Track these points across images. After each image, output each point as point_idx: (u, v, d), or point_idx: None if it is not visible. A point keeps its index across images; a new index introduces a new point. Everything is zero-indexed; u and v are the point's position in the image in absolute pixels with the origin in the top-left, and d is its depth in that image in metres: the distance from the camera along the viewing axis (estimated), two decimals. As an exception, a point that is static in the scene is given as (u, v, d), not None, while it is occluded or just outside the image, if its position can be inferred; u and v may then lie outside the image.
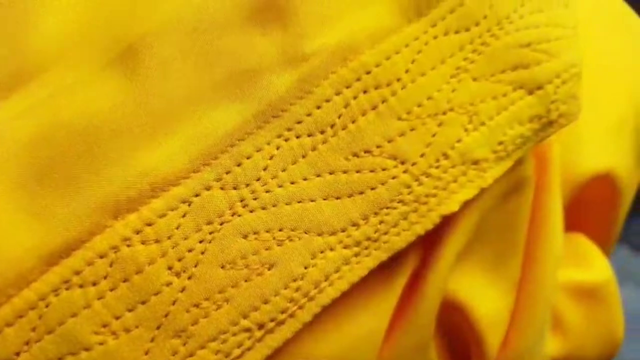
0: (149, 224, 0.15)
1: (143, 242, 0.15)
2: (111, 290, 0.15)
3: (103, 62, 0.15)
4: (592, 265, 0.23)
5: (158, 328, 0.15)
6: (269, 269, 0.16)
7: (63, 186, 0.15)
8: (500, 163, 0.17)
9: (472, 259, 0.19)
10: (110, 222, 0.15)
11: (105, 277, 0.15)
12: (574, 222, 0.24)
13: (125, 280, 0.15)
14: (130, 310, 0.15)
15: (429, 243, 0.18)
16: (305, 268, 0.16)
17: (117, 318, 0.15)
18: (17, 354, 0.14)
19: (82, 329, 0.15)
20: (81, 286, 0.15)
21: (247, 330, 0.15)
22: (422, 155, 0.17)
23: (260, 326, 0.15)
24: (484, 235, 0.19)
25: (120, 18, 0.15)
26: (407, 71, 0.17)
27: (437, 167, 0.17)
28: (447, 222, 0.17)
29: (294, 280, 0.16)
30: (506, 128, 0.17)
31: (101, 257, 0.15)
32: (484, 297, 0.19)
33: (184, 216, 0.15)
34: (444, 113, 0.17)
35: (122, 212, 0.15)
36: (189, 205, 0.15)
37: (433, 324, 0.18)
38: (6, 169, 0.15)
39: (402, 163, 0.17)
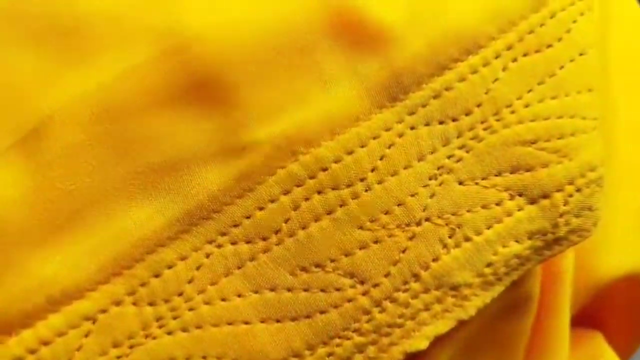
0: (45, 343, 0.13)
1: (34, 366, 0.13)
2: None
3: (7, 144, 0.13)
4: None
5: None
6: (184, 405, 0.13)
7: None
8: (488, 289, 0.14)
9: None
10: (2, 337, 0.13)
11: None
12: (593, 320, 0.20)
13: None
14: None
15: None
16: None
17: None
18: None
19: None
20: None
21: None
22: (386, 275, 0.14)
23: None
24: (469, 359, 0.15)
25: (29, 95, 0.13)
26: (373, 169, 0.14)
27: (404, 291, 0.14)
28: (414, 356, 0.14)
29: None
30: (498, 246, 0.14)
31: None
32: None
33: (86, 336, 0.13)
34: (418, 224, 0.14)
35: (16, 326, 0.13)
36: (94, 322, 0.13)
37: None
38: None
39: (362, 283, 0.13)
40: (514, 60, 0.14)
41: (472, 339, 0.15)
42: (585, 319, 0.20)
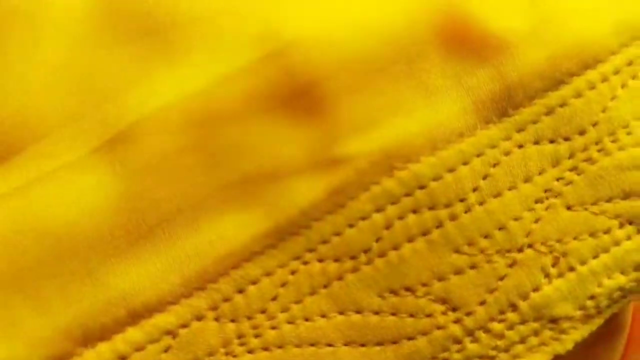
0: (123, 358, 0.12)
1: (113, 380, 0.12)
2: None
3: (91, 146, 0.12)
4: None
5: None
6: None
7: (31, 299, 0.12)
8: (587, 323, 0.13)
9: None
10: (78, 349, 0.12)
11: None
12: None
13: None
14: None
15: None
16: None
17: None
18: None
19: None
20: None
21: None
22: (482, 304, 0.13)
23: None
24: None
25: (111, 98, 0.12)
26: (475, 189, 0.13)
27: (500, 322, 0.13)
28: None
29: None
30: (603, 277, 0.13)
31: None
32: None
33: (166, 351, 0.12)
34: (520, 250, 0.13)
35: (94, 339, 0.12)
36: (174, 337, 0.12)
37: None
38: None
39: (454, 310, 0.13)
40: (634, 77, 0.13)
41: None
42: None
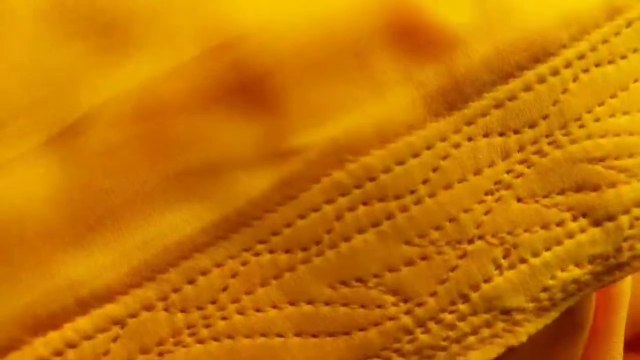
0: (72, 346, 0.12)
1: (60, 368, 0.12)
2: None
3: (41, 140, 0.13)
4: None
5: None
6: (212, 418, 0.12)
7: None
8: (542, 316, 0.13)
9: None
10: (27, 337, 0.12)
11: None
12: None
13: None
14: None
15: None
16: None
17: None
18: None
19: None
20: None
21: None
22: (432, 295, 0.13)
23: None
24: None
25: (64, 93, 0.13)
26: (425, 181, 0.13)
27: (451, 313, 0.13)
28: None
29: None
30: (556, 270, 0.13)
31: None
32: None
33: (114, 340, 0.12)
34: (471, 241, 0.13)
35: (44, 327, 0.12)
36: (123, 327, 0.12)
37: None
38: None
39: (405, 301, 0.13)
40: (586, 70, 0.13)
41: None
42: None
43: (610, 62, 0.13)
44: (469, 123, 0.13)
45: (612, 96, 0.13)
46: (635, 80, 0.13)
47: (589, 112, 0.13)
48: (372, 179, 0.13)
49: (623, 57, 0.13)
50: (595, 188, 0.13)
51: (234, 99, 0.12)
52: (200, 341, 0.12)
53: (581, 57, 0.13)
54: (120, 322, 0.12)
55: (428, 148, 0.13)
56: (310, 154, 0.12)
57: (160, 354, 0.12)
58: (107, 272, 0.12)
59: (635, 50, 0.13)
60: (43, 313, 0.12)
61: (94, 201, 0.12)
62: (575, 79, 0.13)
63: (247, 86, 0.12)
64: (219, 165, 0.12)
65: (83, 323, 0.12)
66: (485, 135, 0.13)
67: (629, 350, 0.18)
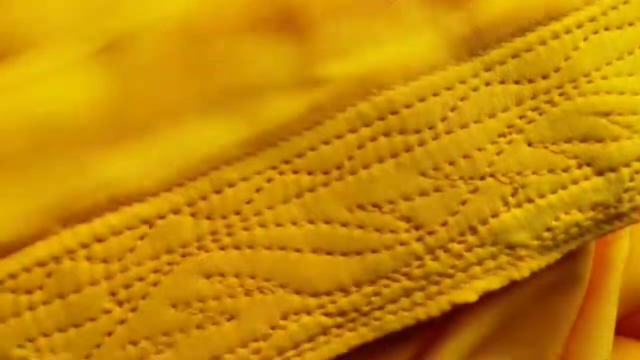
0: (100, 240, 0.13)
1: (88, 259, 0.13)
2: (44, 303, 0.13)
3: (86, 52, 0.14)
4: None
5: (87, 358, 0.13)
6: (228, 320, 0.13)
7: (14, 180, 0.13)
8: (544, 254, 0.14)
9: (494, 356, 0.15)
10: (57, 228, 0.13)
11: (40, 288, 0.13)
12: (631, 330, 0.19)
13: (60, 297, 0.13)
14: (60, 331, 0.13)
15: (431, 331, 0.14)
16: (272, 329, 0.13)
17: (45, 335, 0.13)
18: None
19: (6, 339, 0.13)
20: (13, 292, 0.13)
21: None
22: (443, 225, 0.13)
23: None
24: (512, 333, 0.15)
25: (108, 9, 0.14)
26: (443, 119, 0.14)
27: (460, 243, 0.13)
28: (460, 310, 0.14)
29: (255, 340, 0.13)
30: (560, 212, 0.14)
31: (40, 265, 0.13)
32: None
33: (141, 238, 0.13)
34: (482, 178, 0.14)
35: (73, 220, 0.13)
36: (150, 227, 0.13)
37: None
38: None
39: (417, 229, 0.13)
40: (595, 32, 0.14)
41: (518, 309, 0.15)
42: (631, 328, 0.19)
43: (618, 27, 0.14)
44: (487, 69, 0.14)
45: (619, 58, 0.14)
46: None
47: (597, 69, 0.14)
48: (394, 113, 0.14)
49: (631, 24, 0.14)
50: (600, 140, 0.14)
51: (270, 27, 0.14)
52: (222, 248, 0.13)
53: (592, 19, 0.14)
54: (148, 222, 0.13)
55: (448, 88, 0.14)
56: (337, 84, 0.13)
57: (184, 255, 0.13)
58: (140, 174, 0.13)
59: None
60: (74, 207, 0.13)
61: (134, 107, 0.13)
62: (585, 39, 0.14)
63: (283, 15, 0.13)
64: (254, 86, 0.13)
65: (112, 219, 0.13)
66: (502, 82, 0.14)
67: (618, 333, 0.18)
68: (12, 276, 0.13)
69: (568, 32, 0.14)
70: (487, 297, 0.14)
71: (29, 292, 0.13)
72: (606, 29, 0.14)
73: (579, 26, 0.14)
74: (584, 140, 0.14)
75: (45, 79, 0.13)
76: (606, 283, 0.16)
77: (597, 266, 0.16)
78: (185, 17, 0.13)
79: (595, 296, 0.16)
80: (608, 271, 0.16)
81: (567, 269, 0.15)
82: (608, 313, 0.16)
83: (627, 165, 0.14)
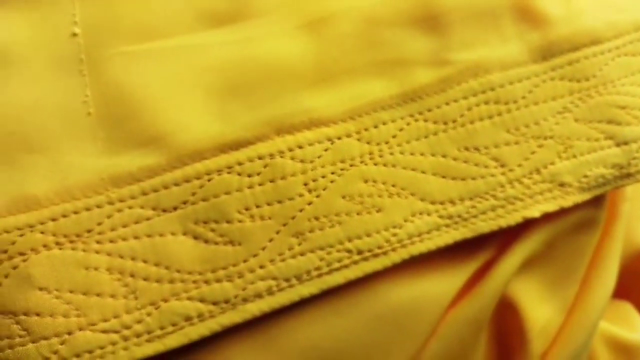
0: (300, 147, 0.19)
1: (292, 158, 0.19)
2: (259, 185, 0.19)
3: (296, 24, 0.20)
4: (632, 326, 0.25)
5: (284, 225, 0.19)
6: (377, 211, 0.19)
7: (248, 101, 0.19)
8: (582, 193, 0.21)
9: (537, 272, 0.22)
10: (273, 135, 0.19)
11: (258, 174, 0.19)
12: (622, 290, 0.26)
13: (271, 181, 0.19)
14: (268, 204, 0.19)
15: (504, 241, 0.21)
16: (405, 221, 0.19)
17: (258, 207, 0.18)
18: (175, 208, 0.18)
19: (230, 206, 0.18)
20: (239, 174, 0.19)
21: (348, 251, 0.19)
22: (519, 165, 0.20)
23: (359, 252, 0.19)
24: (550, 256, 0.22)
25: None
26: (523, 97, 0.21)
27: (529, 178, 0.20)
28: (523, 228, 0.20)
29: (394, 227, 0.19)
30: (592, 166, 0.21)
31: (260, 158, 0.19)
32: (539, 308, 0.22)
33: (326, 150, 0.19)
34: (545, 138, 0.21)
35: (284, 132, 0.19)
36: (332, 143, 0.19)
37: (491, 309, 0.21)
38: (207, 78, 0.19)
39: (502, 166, 0.20)
40: (619, 55, 0.22)
41: (557, 238, 0.21)
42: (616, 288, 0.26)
43: (633, 55, 0.22)
44: (552, 70, 0.21)
45: (633, 74, 0.22)
46: None
47: (619, 79, 0.21)
48: (492, 89, 0.20)
49: None
50: (619, 123, 0.21)
51: (420, 24, 0.20)
52: (375, 164, 0.20)
53: (618, 47, 0.22)
54: (331, 140, 0.19)
55: (528, 78, 0.21)
56: (459, 66, 0.20)
57: (351, 165, 0.19)
58: (329, 108, 0.19)
59: None
60: (286, 122, 0.19)
61: (329, 64, 0.20)
62: (613, 59, 0.22)
63: (430, 17, 0.20)
64: (406, 60, 0.20)
65: (309, 134, 0.19)
66: (561, 79, 0.21)
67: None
68: (239, 163, 0.19)
69: (602, 53, 0.21)
70: (541, 222, 0.20)
71: (250, 175, 0.19)
72: (625, 54, 0.22)
73: (610, 51, 0.22)
74: (609, 122, 0.21)
75: (269, 38, 0.20)
76: (615, 229, 0.23)
77: (610, 216, 0.23)
78: (368, 9, 0.20)
79: (608, 237, 0.23)
80: (616, 220, 0.23)
81: (590, 211, 0.22)
82: (616, 252, 0.23)
83: (635, 142, 0.21)
